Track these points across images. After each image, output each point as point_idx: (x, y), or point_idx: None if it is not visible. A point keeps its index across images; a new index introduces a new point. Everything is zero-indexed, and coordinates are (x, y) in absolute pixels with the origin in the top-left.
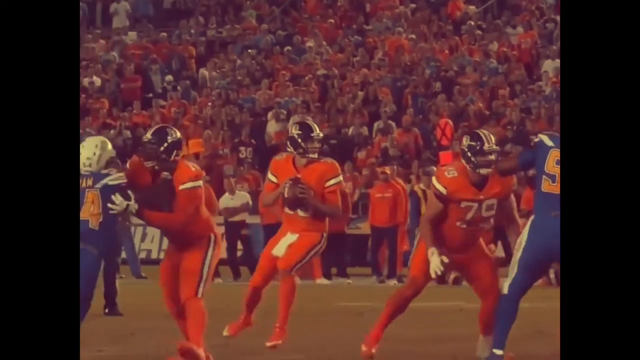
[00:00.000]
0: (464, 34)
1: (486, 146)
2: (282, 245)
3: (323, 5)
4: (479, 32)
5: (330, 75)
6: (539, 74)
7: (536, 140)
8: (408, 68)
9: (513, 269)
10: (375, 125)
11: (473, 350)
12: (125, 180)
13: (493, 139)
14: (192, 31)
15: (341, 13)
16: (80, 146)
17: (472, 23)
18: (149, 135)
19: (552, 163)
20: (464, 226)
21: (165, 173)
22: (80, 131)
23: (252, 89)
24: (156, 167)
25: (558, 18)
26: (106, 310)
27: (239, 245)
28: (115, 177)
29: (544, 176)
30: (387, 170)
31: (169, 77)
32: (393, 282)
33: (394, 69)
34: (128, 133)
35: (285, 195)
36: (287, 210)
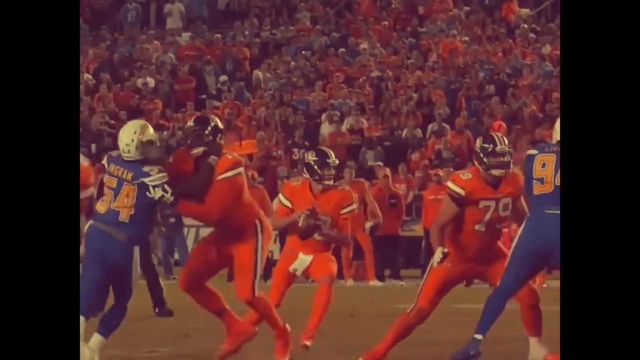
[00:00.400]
0: (518, 37)
1: (498, 148)
2: (302, 264)
3: (377, 7)
4: (532, 35)
5: (384, 77)
6: None
7: (525, 156)
8: (462, 70)
9: (508, 263)
10: (429, 127)
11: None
12: (166, 180)
13: (506, 140)
14: (246, 32)
15: (395, 15)
16: (121, 131)
17: (526, 26)
18: (191, 123)
19: (538, 167)
20: (483, 229)
21: (213, 157)
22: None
23: (306, 90)
24: (205, 150)
25: None
26: (156, 310)
27: None
28: (156, 179)
29: (534, 181)
30: (441, 172)
31: (223, 78)
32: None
33: (447, 72)
34: (181, 134)
35: (300, 225)
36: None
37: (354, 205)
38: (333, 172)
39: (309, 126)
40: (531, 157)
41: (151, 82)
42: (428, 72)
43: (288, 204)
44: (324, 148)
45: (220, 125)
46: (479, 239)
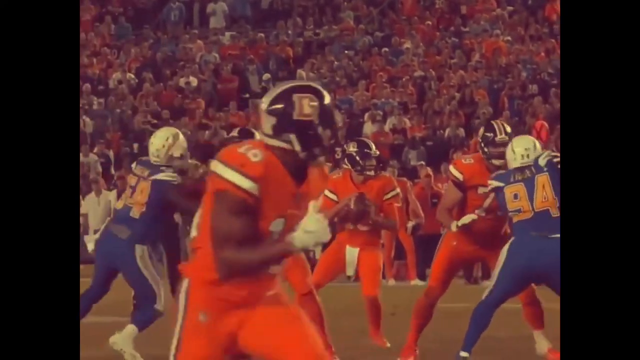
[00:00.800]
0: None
1: (498, 137)
2: (351, 262)
3: (420, 7)
4: None
5: (427, 77)
6: None
7: (488, 190)
8: (504, 70)
9: (493, 279)
10: (476, 123)
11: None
12: (176, 180)
13: (508, 129)
14: (290, 32)
15: (438, 15)
16: (152, 136)
17: None
18: (235, 133)
19: (510, 200)
20: (483, 214)
21: None
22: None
23: (349, 90)
24: None
25: None
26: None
27: None
28: (167, 175)
29: (509, 214)
30: None
31: (267, 76)
32: (486, 282)
33: (490, 71)
34: (224, 133)
35: (352, 207)
36: (349, 224)
37: (397, 190)
38: (374, 162)
39: (352, 125)
40: (500, 190)
41: (194, 81)
42: (471, 71)
43: (333, 197)
44: (365, 139)
45: None
46: (482, 223)
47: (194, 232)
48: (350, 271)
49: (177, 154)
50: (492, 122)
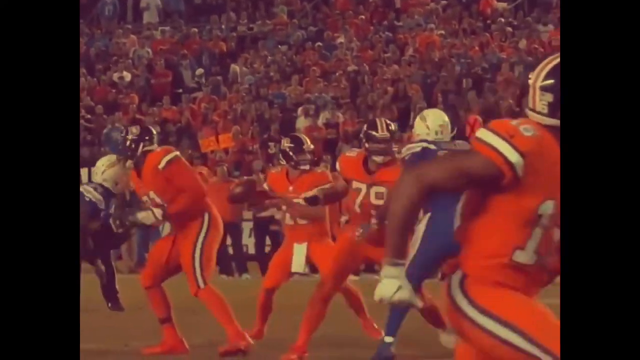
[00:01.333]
0: (495, 31)
1: (379, 134)
2: (298, 258)
3: (354, 1)
4: (509, 29)
5: (360, 71)
6: None
7: (417, 150)
8: (438, 65)
9: (408, 260)
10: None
11: None
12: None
13: (392, 127)
14: (223, 27)
15: (372, 9)
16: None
17: (503, 20)
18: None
19: None
20: (359, 210)
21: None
22: (109, 126)
23: (283, 84)
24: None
25: None
26: (109, 305)
27: (268, 241)
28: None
29: None
30: None
31: (200, 71)
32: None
33: (424, 66)
34: (157, 128)
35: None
36: (287, 221)
37: (332, 184)
38: (308, 157)
39: (284, 120)
40: (431, 152)
41: (127, 76)
42: (404, 66)
43: (267, 189)
44: (299, 134)
45: (153, 132)
46: (361, 217)
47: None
48: (296, 267)
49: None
50: (375, 118)
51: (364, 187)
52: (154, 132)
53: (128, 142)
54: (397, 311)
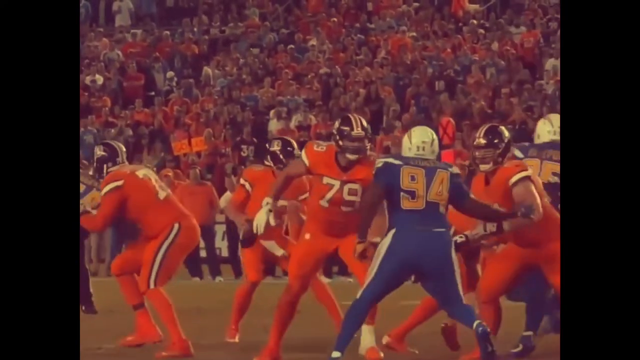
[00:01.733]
0: (467, 33)
1: (355, 132)
2: (272, 246)
3: (326, 3)
4: (481, 31)
5: (333, 74)
6: (541, 72)
7: (379, 165)
8: (410, 67)
9: (370, 275)
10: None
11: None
12: None
13: (364, 123)
14: (195, 29)
15: (344, 11)
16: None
17: (475, 22)
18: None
19: (406, 179)
20: (326, 205)
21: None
22: (82, 129)
23: (255, 87)
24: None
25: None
26: (83, 308)
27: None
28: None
29: (401, 193)
30: None
31: (171, 74)
32: None
33: (396, 68)
34: (129, 131)
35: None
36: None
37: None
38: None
39: (257, 123)
40: (395, 167)
41: (99, 79)
42: (377, 68)
43: (249, 188)
44: (289, 138)
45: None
46: (327, 213)
47: None
48: (278, 251)
49: None
50: (349, 115)
51: (337, 183)
52: (120, 149)
53: (93, 167)
54: (350, 326)
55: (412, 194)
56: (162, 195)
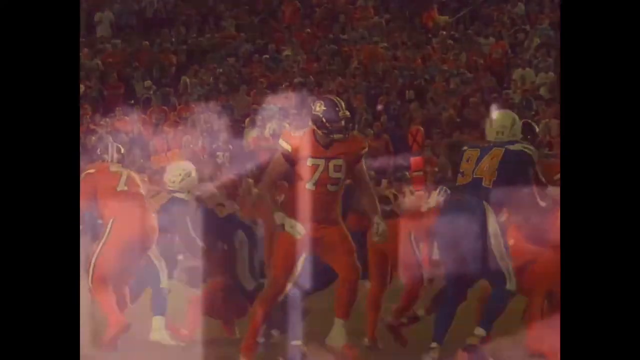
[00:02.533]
0: (437, 44)
1: (341, 112)
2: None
3: (300, 15)
4: (450, 41)
5: (306, 83)
6: (509, 82)
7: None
8: (382, 76)
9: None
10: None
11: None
12: None
13: (343, 105)
14: (173, 40)
15: (318, 22)
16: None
17: (445, 33)
18: None
19: (463, 161)
20: (313, 188)
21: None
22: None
23: (231, 95)
24: None
25: (528, 28)
26: None
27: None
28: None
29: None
30: None
31: (148, 83)
32: None
33: (368, 77)
34: (110, 138)
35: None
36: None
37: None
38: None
39: (232, 130)
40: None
41: (81, 88)
42: (349, 77)
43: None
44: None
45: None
46: (313, 197)
47: None
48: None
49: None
50: (330, 97)
51: (322, 162)
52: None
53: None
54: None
55: (461, 173)
56: (119, 188)
